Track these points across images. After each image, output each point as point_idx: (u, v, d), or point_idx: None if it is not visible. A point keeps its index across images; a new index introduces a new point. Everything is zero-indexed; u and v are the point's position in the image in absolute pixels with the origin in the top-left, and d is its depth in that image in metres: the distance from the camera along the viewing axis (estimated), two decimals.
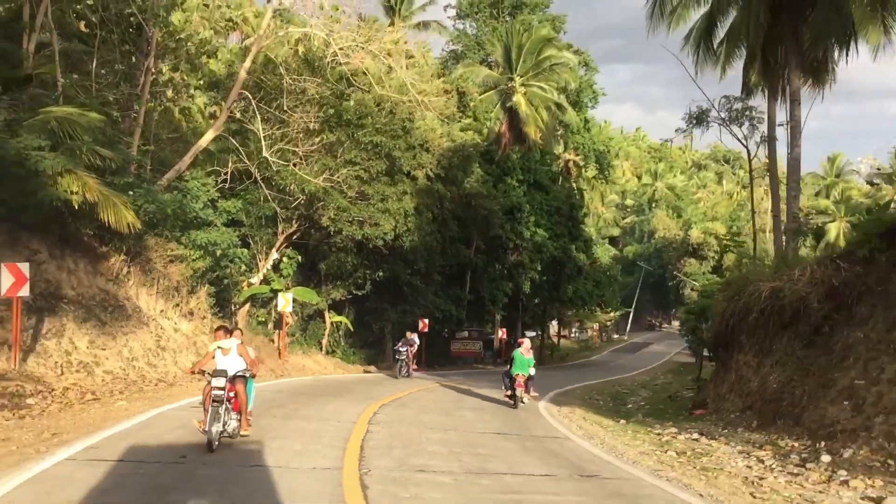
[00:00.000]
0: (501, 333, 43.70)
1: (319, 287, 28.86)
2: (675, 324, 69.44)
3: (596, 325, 74.73)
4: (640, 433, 13.60)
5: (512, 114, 43.07)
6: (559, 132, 49.38)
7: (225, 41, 32.29)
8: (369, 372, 27.42)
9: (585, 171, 54.25)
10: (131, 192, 16.92)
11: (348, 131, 26.91)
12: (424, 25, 46.11)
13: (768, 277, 15.15)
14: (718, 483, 9.01)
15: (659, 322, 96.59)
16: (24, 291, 13.19)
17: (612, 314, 72.34)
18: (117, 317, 16.73)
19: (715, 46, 20.68)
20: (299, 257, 27.89)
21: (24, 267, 13.22)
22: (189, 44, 25.27)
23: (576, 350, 63.76)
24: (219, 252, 22.19)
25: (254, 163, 24.39)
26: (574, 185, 51.14)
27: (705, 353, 24.79)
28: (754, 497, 8.27)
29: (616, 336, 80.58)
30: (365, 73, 25.45)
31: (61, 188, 14.08)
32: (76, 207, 14.50)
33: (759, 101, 25.36)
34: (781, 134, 20.89)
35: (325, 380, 22.03)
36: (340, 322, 30.05)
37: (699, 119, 23.28)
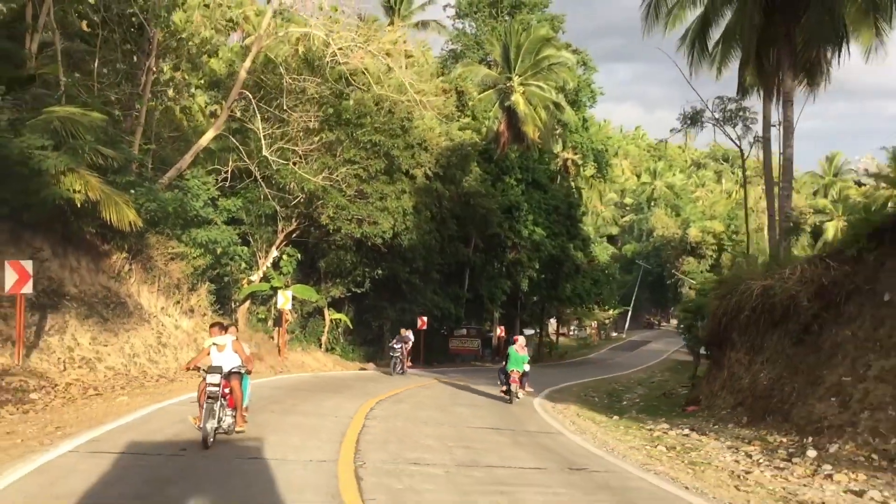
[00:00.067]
0: (500, 331, 43.92)
1: (319, 285, 29.10)
2: (674, 322, 69.65)
3: (594, 324, 74.99)
4: (632, 429, 13.84)
5: (510, 113, 43.28)
6: (558, 131, 49.60)
7: (226, 40, 32.48)
8: (366, 369, 27.63)
9: (584, 170, 54.48)
10: (133, 191, 17.12)
11: (347, 130, 27.13)
12: (423, 25, 46.36)
13: (760, 276, 15.40)
14: (705, 476, 9.25)
15: (657, 320, 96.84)
16: (28, 288, 13.40)
17: (610, 312, 72.56)
18: (119, 314, 16.95)
19: (710, 47, 20.90)
20: (299, 255, 28.14)
21: (28, 264, 13.43)
22: (190, 43, 25.48)
23: (574, 348, 64.01)
24: (219, 250, 22.43)
25: (254, 161, 24.61)
26: (572, 183, 51.38)
27: (702, 351, 25.03)
28: (738, 490, 8.51)
29: (614, 334, 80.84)
30: (364, 73, 25.65)
31: (64, 187, 14.30)
32: (78, 206, 14.72)
33: (755, 101, 25.65)
34: (777, 134, 21.15)
35: (324, 376, 22.26)
36: (340, 319, 30.29)
37: (693, 119, 23.51)
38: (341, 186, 26.17)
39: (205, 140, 23.14)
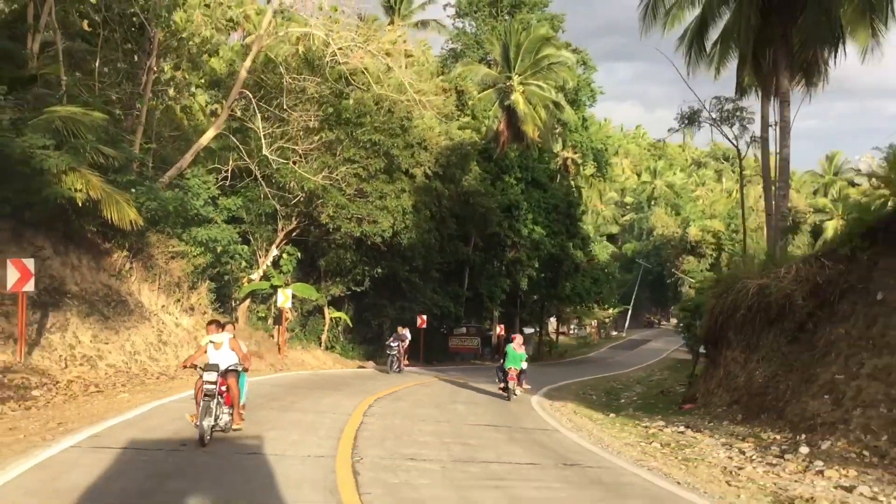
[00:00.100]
0: (499, 330, 44.04)
1: (319, 283, 29.24)
2: (674, 321, 69.74)
3: (594, 322, 75.09)
4: (628, 426, 13.97)
5: (510, 112, 43.39)
6: (557, 130, 49.71)
7: (226, 39, 32.59)
8: (364, 367, 27.74)
9: (583, 170, 54.57)
10: (134, 190, 17.27)
11: (347, 130, 27.26)
12: (423, 24, 46.44)
13: (756, 275, 15.49)
14: (697, 472, 9.37)
15: (658, 319, 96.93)
16: (30, 286, 13.52)
17: (610, 311, 72.70)
18: (120, 312, 17.09)
19: (707, 48, 20.99)
20: (299, 254, 28.27)
21: (30, 263, 13.54)
22: (191, 43, 25.61)
23: (574, 347, 64.09)
24: (219, 248, 22.58)
25: (254, 161, 24.76)
26: (572, 183, 51.47)
27: (701, 349, 25.14)
28: (730, 485, 8.63)
29: (615, 333, 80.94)
30: (364, 72, 25.77)
31: (65, 186, 14.43)
32: (80, 205, 14.85)
33: (754, 101, 25.69)
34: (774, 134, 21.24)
35: (324, 374, 22.39)
36: (339, 318, 30.42)
37: (691, 119, 23.61)
38: (341, 185, 26.31)
39: (205, 139, 23.28)
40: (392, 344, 24.50)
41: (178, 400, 12.55)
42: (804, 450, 10.51)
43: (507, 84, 43.57)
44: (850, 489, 8.51)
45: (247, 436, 9.74)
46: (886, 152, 15.30)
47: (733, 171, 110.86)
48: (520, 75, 43.68)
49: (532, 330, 52.33)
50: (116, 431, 9.50)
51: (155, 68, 22.53)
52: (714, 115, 23.08)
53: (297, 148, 25.59)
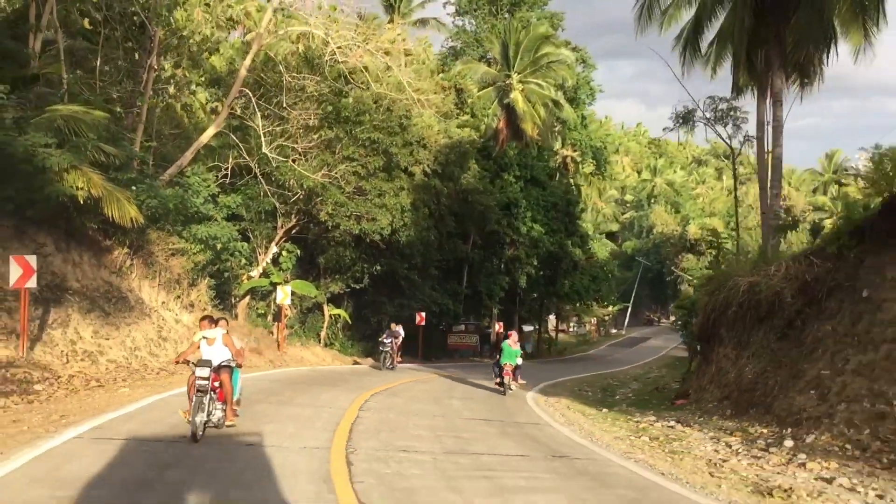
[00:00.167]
0: (498, 327, 44.26)
1: (318, 280, 29.47)
2: (673, 318, 69.98)
3: (594, 320, 75.34)
4: (620, 421, 14.22)
5: (509, 110, 43.60)
6: (557, 128, 49.91)
7: (227, 36, 32.81)
8: (359, 363, 27.90)
9: (583, 168, 54.78)
10: (134, 188, 17.52)
11: (346, 128, 27.47)
12: (423, 23, 46.62)
13: (747, 273, 15.72)
14: (682, 464, 9.62)
15: (657, 317, 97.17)
16: (32, 283, 13.74)
17: (609, 309, 72.97)
18: (120, 308, 17.34)
19: (702, 48, 21.20)
20: (298, 251, 28.50)
21: (32, 259, 13.77)
22: (191, 41, 25.85)
23: (573, 344, 64.36)
24: (219, 246, 22.81)
25: (254, 159, 24.99)
26: (571, 181, 51.68)
27: (698, 347, 25.37)
28: (712, 476, 8.88)
29: (614, 331, 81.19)
30: (364, 71, 25.99)
31: (67, 184, 14.67)
32: (81, 202, 15.09)
33: (750, 101, 25.93)
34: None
35: (322, 370, 22.65)
36: (339, 315, 30.67)
37: (685, 119, 23.83)
38: (340, 183, 26.53)
39: (205, 137, 23.52)
40: (385, 340, 24.25)
41: (178, 394, 12.77)
42: (789, 443, 10.76)
43: (507, 82, 43.78)
44: (829, 480, 8.75)
45: (245, 428, 9.98)
46: (872, 152, 15.51)
47: (736, 169, 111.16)
48: (519, 73, 43.88)
49: (531, 328, 52.58)
50: (117, 424, 9.75)
51: (155, 66, 22.76)
52: (708, 115, 23.31)
53: (296, 146, 25.83)
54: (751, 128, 25.23)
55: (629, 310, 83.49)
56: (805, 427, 11.28)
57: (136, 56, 23.05)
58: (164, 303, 19.62)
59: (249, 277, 26.70)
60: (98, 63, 20.98)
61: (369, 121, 27.76)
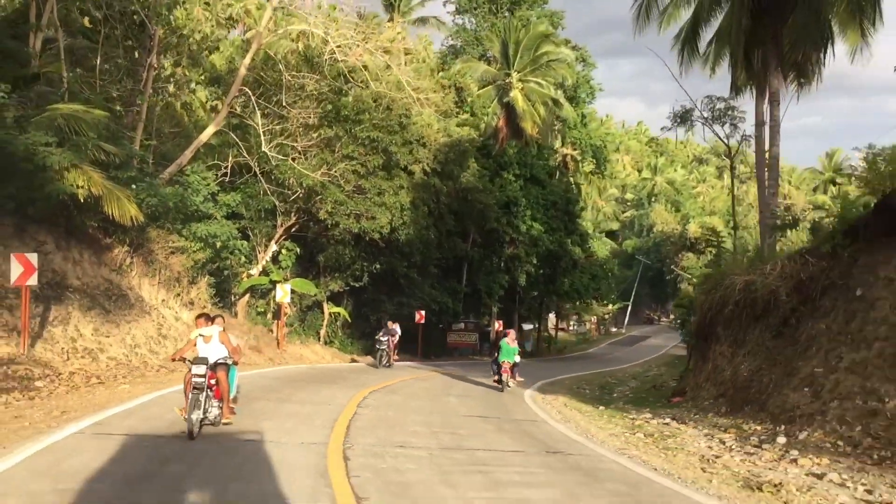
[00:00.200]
0: (498, 325, 44.36)
1: (318, 279, 29.59)
2: (673, 317, 70.08)
3: (594, 319, 75.48)
4: (616, 418, 14.33)
5: (509, 109, 43.67)
6: (556, 127, 50.00)
7: (227, 34, 32.92)
8: (356, 361, 27.91)
9: (583, 166, 54.87)
10: (134, 186, 17.64)
11: (346, 127, 27.59)
12: (423, 21, 46.71)
13: (743, 271, 15.84)
14: (675, 460, 9.74)
15: (657, 316, 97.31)
16: (33, 280, 13.87)
17: (609, 307, 73.11)
18: (120, 306, 17.46)
19: (700, 48, 21.29)
20: (298, 249, 28.62)
21: (33, 257, 13.90)
22: (191, 40, 25.97)
23: (573, 343, 64.50)
24: (219, 244, 22.93)
25: (253, 157, 25.11)
26: (571, 179, 51.77)
27: (696, 344, 25.47)
28: (704, 471, 8.99)
29: (614, 329, 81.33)
30: (364, 69, 26.10)
31: (68, 182, 14.79)
32: (82, 201, 15.21)
33: (748, 100, 25.99)
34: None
35: (321, 368, 22.77)
36: (338, 313, 30.79)
37: (683, 118, 23.94)
38: (340, 182, 26.64)
39: (205, 136, 23.63)
40: (381, 338, 23.99)
41: (178, 391, 12.79)
42: (782, 440, 10.87)
43: (507, 81, 43.86)
44: (820, 476, 8.86)
45: (244, 424, 10.10)
46: (866, 152, 15.61)
47: (734, 168, 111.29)
48: (519, 72, 43.96)
49: (531, 326, 52.70)
50: (118, 420, 9.87)
51: (155, 65, 22.88)
52: (706, 115, 23.41)
53: (296, 145, 25.95)
54: (749, 127, 25.36)
55: (629, 308, 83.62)
56: (798, 424, 11.40)
57: (136, 54, 23.17)
58: (163, 300, 19.75)
59: (249, 275, 26.83)
60: (98, 61, 21.09)
61: (369, 119, 27.88)
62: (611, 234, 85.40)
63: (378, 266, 29.75)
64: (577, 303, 54.32)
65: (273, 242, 27.83)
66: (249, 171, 25.70)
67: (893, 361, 10.84)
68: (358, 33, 25.36)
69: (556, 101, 45.55)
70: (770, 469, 9.26)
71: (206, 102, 30.38)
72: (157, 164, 22.83)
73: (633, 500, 7.33)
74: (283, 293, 25.05)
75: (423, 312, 32.91)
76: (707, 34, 21.88)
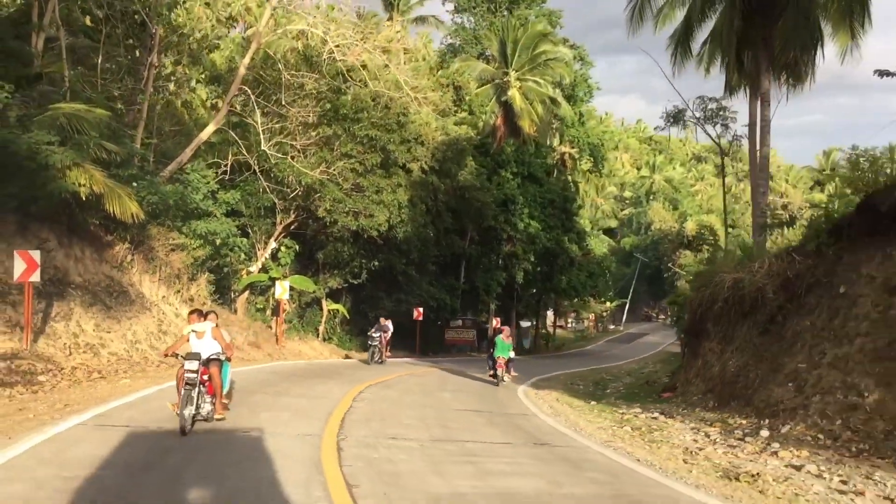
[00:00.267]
0: (496, 322, 44.57)
1: (317, 276, 29.90)
2: (669, 314, 70.31)
3: (592, 316, 75.83)
4: (605, 413, 14.64)
5: (507, 108, 43.96)
6: (554, 125, 50.28)
7: (227, 32, 33.17)
8: (350, 358, 28.00)
9: (580, 164, 55.16)
10: (135, 184, 17.92)
11: (344, 125, 27.88)
12: (422, 20, 46.97)
13: (732, 269, 16.11)
14: (659, 452, 10.05)
15: (656, 313, 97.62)
16: (35, 277, 14.13)
17: (607, 305, 73.45)
18: (122, 302, 17.75)
19: (693, 49, 21.54)
20: (297, 247, 28.93)
21: (36, 254, 14.15)
22: (191, 39, 26.25)
23: (571, 340, 64.85)
24: (218, 241, 23.24)
25: (253, 155, 25.41)
26: (569, 177, 52.07)
27: (687, 341, 25.77)
28: (686, 463, 9.30)
29: (612, 326, 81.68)
30: (363, 68, 26.38)
31: (70, 181, 15.05)
32: (83, 199, 15.46)
33: (742, 99, 26.26)
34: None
35: (319, 364, 23.08)
36: (337, 310, 31.10)
37: (675, 118, 24.23)
38: (338, 180, 26.94)
39: (205, 134, 23.92)
40: (374, 335, 23.92)
41: None
42: (765, 433, 11.18)
43: (505, 80, 44.14)
44: (798, 468, 9.16)
45: (242, 417, 10.40)
46: (850, 153, 15.88)
47: (733, 166, 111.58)
48: (517, 71, 44.23)
49: (529, 323, 53.03)
50: (119, 412, 10.17)
51: (156, 63, 23.15)
52: (698, 115, 23.71)
53: (295, 143, 26.25)
54: (741, 127, 25.64)
55: (627, 306, 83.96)
56: (781, 418, 11.70)
57: (137, 53, 23.44)
58: (164, 297, 20.04)
59: (249, 272, 27.14)
60: (99, 60, 21.36)
61: (367, 118, 28.16)
62: (609, 232, 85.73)
63: (376, 263, 30.05)
64: (575, 300, 54.64)
65: (272, 240, 28.14)
66: (249, 169, 25.99)
67: (874, 357, 11.14)
68: (357, 33, 25.64)
69: (553, 100, 45.84)
70: (751, 461, 9.56)
71: (207, 101, 30.66)
72: (158, 162, 23.11)
73: (613, 488, 7.64)
74: (282, 290, 25.34)
75: (421, 309, 33.20)
76: (701, 35, 22.13)
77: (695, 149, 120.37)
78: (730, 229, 66.87)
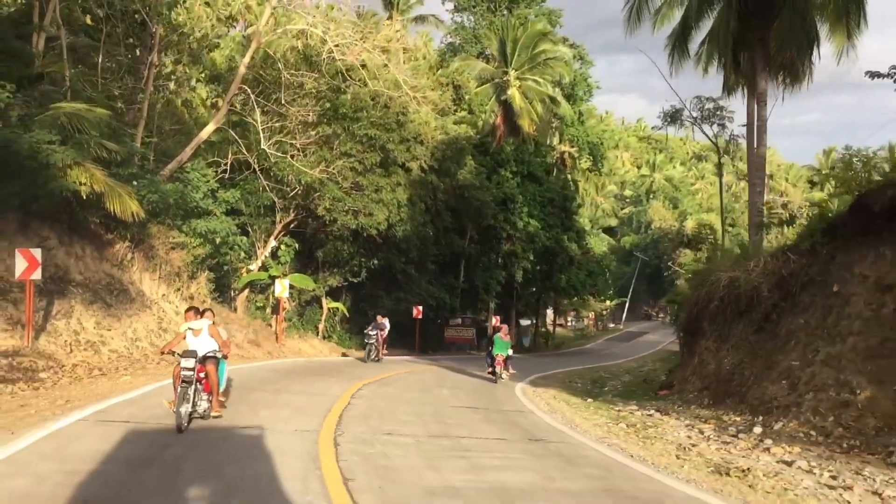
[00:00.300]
0: (495, 321, 44.68)
1: (317, 274, 30.01)
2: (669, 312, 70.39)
3: (592, 314, 75.93)
4: (602, 410, 14.77)
5: (506, 107, 44.07)
6: (554, 125, 50.40)
7: (227, 30, 33.29)
8: (346, 356, 28.05)
9: (580, 163, 55.28)
10: (135, 183, 18.06)
11: (344, 124, 27.97)
12: (421, 19, 47.08)
13: (728, 268, 16.23)
14: (653, 448, 10.17)
15: (656, 312, 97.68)
16: (37, 275, 14.27)
17: (607, 303, 73.57)
18: (122, 300, 17.89)
19: (690, 49, 21.64)
20: (297, 245, 29.04)
21: (37, 252, 14.29)
22: (191, 38, 26.37)
23: (571, 338, 64.95)
24: (218, 240, 23.37)
25: (253, 154, 25.53)
26: (569, 176, 52.18)
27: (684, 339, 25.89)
28: (678, 458, 9.43)
29: (612, 325, 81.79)
30: (363, 67, 26.50)
31: (70, 179, 15.19)
32: (84, 197, 15.61)
33: (741, 99, 26.37)
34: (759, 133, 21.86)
35: (319, 361, 23.22)
36: (337, 308, 31.22)
37: (673, 118, 24.35)
38: (338, 179, 27.05)
39: (205, 133, 24.05)
40: (370, 332, 23.70)
41: None
42: (758, 430, 11.30)
43: (504, 79, 44.25)
44: (790, 463, 9.28)
45: (241, 413, 10.53)
46: (843, 154, 16.00)
47: (734, 165, 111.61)
48: (516, 70, 44.33)
49: (529, 322, 53.15)
50: (120, 408, 10.30)
51: (156, 63, 23.27)
52: (695, 115, 23.84)
53: (294, 142, 26.37)
54: (738, 127, 25.79)
55: (627, 305, 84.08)
56: (775, 415, 11.83)
57: (138, 52, 23.57)
58: (164, 295, 20.18)
59: (248, 271, 27.26)
60: (100, 59, 21.48)
61: (367, 117, 28.26)
62: (610, 231, 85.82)
63: (376, 262, 30.15)
64: (574, 299, 54.74)
65: (272, 238, 28.26)
66: (249, 168, 26.11)
67: (866, 355, 11.27)
68: (356, 32, 25.76)
69: (553, 99, 45.94)
70: (743, 457, 9.69)
71: (207, 100, 30.79)
72: (158, 160, 23.24)
73: (605, 482, 7.76)
74: (281, 288, 25.47)
75: (420, 308, 33.30)
76: (698, 36, 22.21)
77: (695, 147, 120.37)
78: (730, 228, 67.01)
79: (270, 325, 27.06)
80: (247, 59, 24.44)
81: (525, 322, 52.30)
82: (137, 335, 17.74)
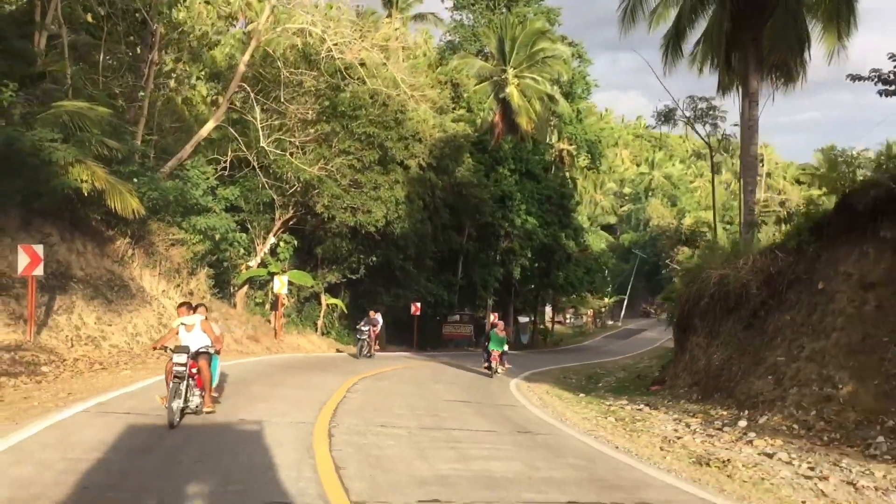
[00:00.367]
0: (493, 318, 44.93)
1: (315, 271, 30.27)
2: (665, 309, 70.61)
3: (590, 312, 76.21)
4: (593, 404, 15.05)
5: (505, 105, 44.29)
6: (552, 122, 50.60)
7: (227, 28, 33.51)
8: (341, 351, 28.19)
9: (578, 161, 55.51)
10: (136, 180, 18.32)
11: (343, 122, 28.21)
12: (421, 17, 47.26)
13: (718, 266, 16.50)
14: (639, 440, 10.46)
15: (654, 309, 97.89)
16: (39, 271, 14.53)
17: (606, 301, 73.84)
18: (122, 296, 18.16)
19: (685, 49, 21.85)
20: (296, 242, 29.30)
21: (39, 249, 14.55)
22: (191, 36, 26.61)
23: (569, 335, 65.24)
24: (218, 236, 23.64)
25: (252, 152, 25.79)
26: (567, 174, 52.42)
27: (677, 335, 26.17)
28: (662, 450, 9.72)
29: (610, 322, 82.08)
30: (362, 65, 26.73)
31: (72, 177, 15.46)
32: (85, 194, 15.88)
33: (735, 98, 26.61)
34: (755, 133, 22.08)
35: (317, 357, 23.50)
36: (335, 304, 31.49)
37: (666, 117, 24.61)
38: (336, 176, 27.30)
39: (205, 131, 24.31)
40: (363, 328, 23.39)
41: None
42: (742, 423, 11.59)
43: (503, 77, 44.46)
44: (770, 455, 9.57)
45: (238, 406, 10.80)
46: (830, 154, 16.26)
47: (733, 163, 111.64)
48: (515, 68, 44.54)
49: (527, 319, 53.45)
50: (121, 400, 10.59)
51: (157, 61, 23.52)
52: (688, 114, 24.10)
53: (294, 140, 26.63)
54: (730, 127, 26.02)
55: (625, 302, 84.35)
56: (760, 409, 12.12)
57: (138, 50, 23.82)
58: (164, 291, 20.45)
59: (248, 267, 27.53)
60: (101, 57, 21.73)
61: (365, 115, 28.48)
62: (609, 228, 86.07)
63: (374, 258, 30.39)
64: (573, 296, 55.01)
65: (271, 235, 28.53)
66: (248, 166, 26.38)
67: (848, 350, 11.55)
68: (355, 31, 26.00)
69: (551, 97, 46.16)
70: (726, 449, 9.97)
71: (207, 97, 31.02)
72: (158, 158, 23.49)
73: (588, 472, 8.05)
74: (280, 284, 25.73)
75: (418, 304, 33.56)
76: (693, 36, 22.40)
77: (694, 145, 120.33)
78: (727, 226, 67.33)
79: (269, 321, 27.35)
80: (246, 57, 24.68)
81: (523, 319, 52.59)
82: (138, 330, 18.01)
